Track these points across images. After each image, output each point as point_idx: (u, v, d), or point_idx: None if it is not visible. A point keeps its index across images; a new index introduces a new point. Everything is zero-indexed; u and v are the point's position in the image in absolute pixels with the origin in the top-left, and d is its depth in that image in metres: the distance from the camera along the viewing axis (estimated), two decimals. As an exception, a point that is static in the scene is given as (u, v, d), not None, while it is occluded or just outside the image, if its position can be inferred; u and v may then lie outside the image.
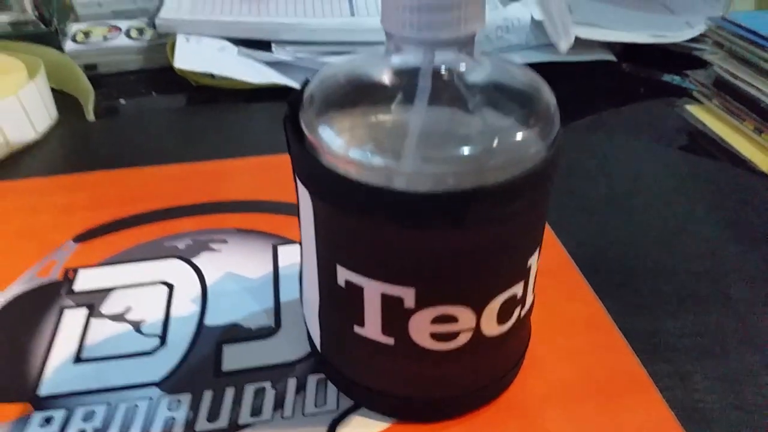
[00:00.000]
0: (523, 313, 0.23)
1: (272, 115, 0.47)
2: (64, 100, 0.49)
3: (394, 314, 0.21)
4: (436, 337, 0.22)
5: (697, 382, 0.26)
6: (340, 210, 0.20)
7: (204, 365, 0.27)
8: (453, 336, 0.22)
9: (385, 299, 0.21)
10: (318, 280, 0.23)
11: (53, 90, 0.48)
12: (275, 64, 0.50)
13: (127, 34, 0.55)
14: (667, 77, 0.53)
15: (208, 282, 0.31)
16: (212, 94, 0.50)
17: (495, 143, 0.20)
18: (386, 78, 0.21)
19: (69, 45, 0.54)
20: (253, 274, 0.32)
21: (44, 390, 0.26)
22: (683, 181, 0.39)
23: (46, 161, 0.43)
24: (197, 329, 0.29)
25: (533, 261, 0.23)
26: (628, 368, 0.26)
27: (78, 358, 0.27)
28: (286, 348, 0.27)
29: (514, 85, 0.22)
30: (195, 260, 0.32)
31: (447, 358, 0.22)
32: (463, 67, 0.20)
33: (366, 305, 0.22)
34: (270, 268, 0.32)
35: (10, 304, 0.30)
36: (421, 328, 0.22)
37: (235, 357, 0.27)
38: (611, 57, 0.54)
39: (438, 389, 0.24)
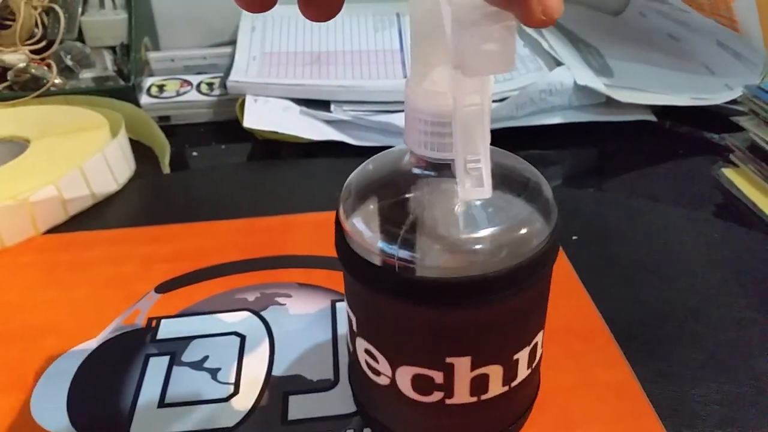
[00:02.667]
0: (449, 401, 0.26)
1: (329, 170, 0.51)
2: (139, 149, 0.54)
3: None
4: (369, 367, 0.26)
5: (717, 448, 0.28)
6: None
7: (272, 413, 0.30)
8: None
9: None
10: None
11: (130, 140, 0.53)
12: (333, 122, 0.54)
13: (198, 89, 0.60)
14: (706, 135, 0.55)
15: (275, 334, 0.35)
16: (275, 148, 0.54)
17: (497, 242, 0.23)
18: (407, 180, 0.25)
19: (144, 98, 0.59)
20: (314, 328, 0.35)
21: (135, 430, 0.30)
22: (716, 249, 0.41)
23: (126, 211, 0.47)
24: (266, 379, 0.32)
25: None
26: (653, 433, 0.29)
27: (162, 402, 0.31)
28: (344, 401, 0.31)
29: (518, 181, 0.26)
30: (263, 313, 0.36)
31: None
32: None
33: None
34: (329, 323, 0.36)
35: (102, 349, 0.35)
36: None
37: (299, 407, 0.31)
38: (652, 117, 0.57)
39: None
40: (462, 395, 0.26)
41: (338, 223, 0.26)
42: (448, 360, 0.25)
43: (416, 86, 0.23)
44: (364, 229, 0.24)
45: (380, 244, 0.24)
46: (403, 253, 0.23)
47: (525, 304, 0.25)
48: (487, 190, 0.22)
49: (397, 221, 0.25)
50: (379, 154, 0.27)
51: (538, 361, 0.28)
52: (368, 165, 0.27)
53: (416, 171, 0.25)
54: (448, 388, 0.25)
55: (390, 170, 0.26)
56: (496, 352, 0.25)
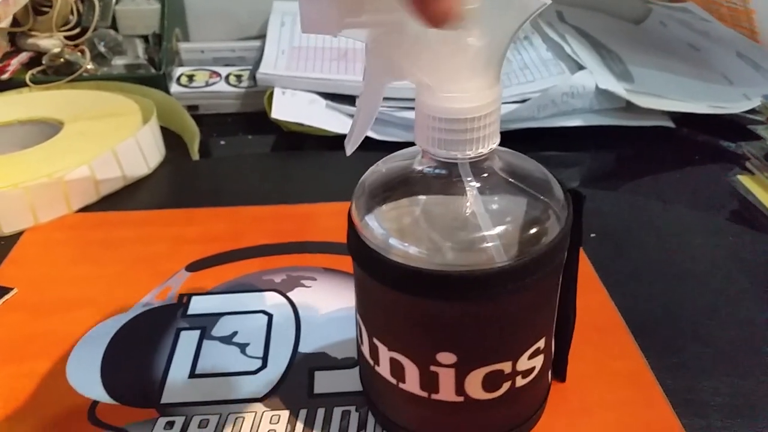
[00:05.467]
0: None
1: (352, 163, 0.52)
2: (168, 136, 0.56)
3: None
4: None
5: (727, 437, 0.29)
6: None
7: (299, 387, 0.32)
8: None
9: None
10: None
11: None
12: (358, 117, 0.55)
13: (227, 80, 0.61)
14: (723, 143, 0.56)
15: (301, 314, 0.36)
16: (300, 140, 0.56)
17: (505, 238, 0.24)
18: (418, 179, 0.26)
19: (174, 87, 0.61)
20: (338, 310, 0.36)
21: (166, 398, 0.31)
22: (729, 251, 0.42)
23: (156, 194, 0.49)
24: (293, 355, 0.34)
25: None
26: (665, 421, 0.30)
27: (193, 373, 0.33)
28: (367, 378, 0.32)
29: (529, 181, 0.26)
30: (290, 294, 0.38)
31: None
32: (484, 171, 0.25)
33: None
34: (352, 306, 0.37)
35: (134, 322, 0.36)
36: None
37: (324, 382, 0.32)
38: (670, 124, 0.58)
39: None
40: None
41: (351, 220, 0.26)
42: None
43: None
44: (376, 227, 0.25)
45: (391, 240, 0.24)
46: (413, 250, 0.24)
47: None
48: (347, 150, 0.25)
49: (408, 219, 0.25)
50: (392, 154, 0.28)
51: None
52: (381, 164, 0.27)
53: (427, 170, 0.25)
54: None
55: (402, 169, 0.27)
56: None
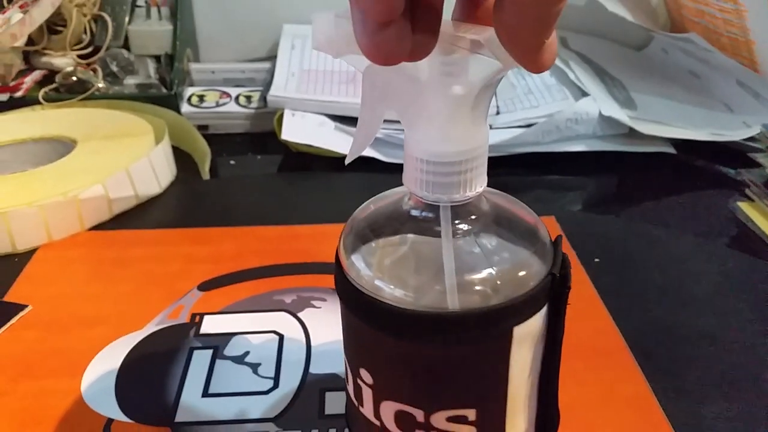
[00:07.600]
0: None
1: (360, 185, 0.53)
2: (179, 155, 0.57)
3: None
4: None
5: (729, 462, 0.30)
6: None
7: (310, 407, 0.32)
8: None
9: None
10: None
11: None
12: (366, 139, 0.57)
13: (237, 101, 0.63)
14: (723, 170, 0.57)
15: (312, 335, 0.37)
16: (309, 160, 0.57)
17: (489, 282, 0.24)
18: (405, 221, 0.26)
19: (185, 107, 0.62)
20: (348, 331, 0.37)
21: (180, 417, 0.32)
22: (730, 277, 0.43)
23: (167, 213, 0.50)
24: (304, 376, 0.34)
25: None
26: (669, 444, 0.31)
27: (206, 392, 0.33)
28: (377, 399, 0.33)
29: (515, 225, 0.26)
30: (300, 314, 0.38)
31: None
32: (470, 214, 0.25)
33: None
34: (362, 327, 0.37)
35: (148, 341, 0.37)
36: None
37: (335, 403, 0.33)
38: (671, 150, 0.59)
39: None
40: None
41: (338, 258, 0.26)
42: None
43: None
44: (362, 267, 0.25)
45: (376, 281, 0.24)
46: (399, 292, 0.24)
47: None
48: (346, 160, 0.25)
49: (392, 261, 0.26)
50: (381, 193, 0.28)
51: None
52: (370, 204, 0.27)
53: (414, 213, 0.25)
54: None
55: (390, 210, 0.27)
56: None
